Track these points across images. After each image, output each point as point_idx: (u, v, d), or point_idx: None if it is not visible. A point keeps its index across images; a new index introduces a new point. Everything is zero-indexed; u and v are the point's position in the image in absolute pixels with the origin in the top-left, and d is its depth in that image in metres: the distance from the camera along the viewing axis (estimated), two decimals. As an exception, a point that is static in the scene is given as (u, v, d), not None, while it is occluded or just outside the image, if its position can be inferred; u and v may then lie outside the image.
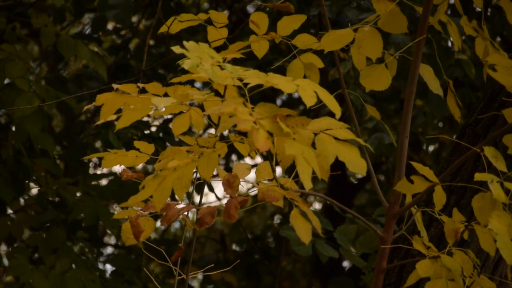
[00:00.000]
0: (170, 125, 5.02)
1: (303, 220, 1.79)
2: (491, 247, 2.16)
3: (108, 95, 1.92)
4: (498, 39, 4.99)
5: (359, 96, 2.65)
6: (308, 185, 1.60)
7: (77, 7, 5.05)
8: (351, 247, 3.85)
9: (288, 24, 2.26)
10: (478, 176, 1.91)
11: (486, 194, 1.94)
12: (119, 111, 1.92)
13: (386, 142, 4.40)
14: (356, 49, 2.20)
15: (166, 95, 1.91)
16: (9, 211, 4.62)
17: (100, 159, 5.62)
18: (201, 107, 2.02)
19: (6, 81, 4.12)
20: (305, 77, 2.30)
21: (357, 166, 1.68)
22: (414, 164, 2.03)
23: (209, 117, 2.22)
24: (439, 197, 2.07)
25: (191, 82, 1.92)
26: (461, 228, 2.21)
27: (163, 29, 2.38)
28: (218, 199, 6.33)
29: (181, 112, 1.98)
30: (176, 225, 7.38)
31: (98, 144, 5.33)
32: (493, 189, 1.89)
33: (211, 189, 5.78)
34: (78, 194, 4.54)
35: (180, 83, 1.88)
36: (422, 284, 2.14)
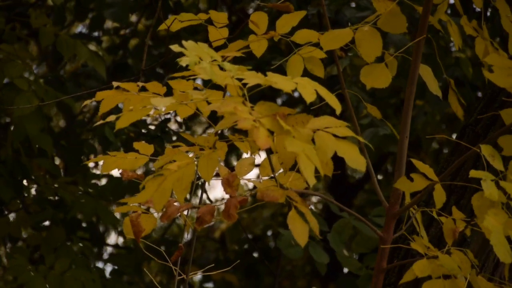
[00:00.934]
0: (169, 124, 5.02)
1: (301, 222, 1.78)
2: None
3: (108, 92, 1.92)
4: (498, 39, 4.99)
5: (357, 94, 2.64)
6: (311, 181, 1.60)
7: (78, 7, 5.05)
8: (344, 250, 3.83)
9: (287, 21, 2.25)
10: (473, 173, 1.91)
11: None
12: (119, 110, 1.92)
13: (380, 133, 4.38)
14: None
15: (166, 94, 1.91)
16: (7, 211, 4.62)
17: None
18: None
19: (5, 80, 4.12)
20: (306, 72, 2.29)
21: (357, 162, 1.68)
22: (415, 161, 2.03)
23: (209, 117, 2.22)
24: (439, 196, 2.07)
25: (193, 78, 1.92)
26: (460, 227, 2.21)
27: (162, 27, 2.38)
28: (210, 201, 6.29)
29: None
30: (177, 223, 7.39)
31: (95, 142, 5.33)
32: (485, 187, 1.89)
33: (205, 190, 5.75)
34: (78, 193, 4.54)
35: (182, 77, 1.87)
36: (422, 283, 2.14)
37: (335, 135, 1.67)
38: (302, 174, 1.59)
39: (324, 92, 1.64)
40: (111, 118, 1.88)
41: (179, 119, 5.79)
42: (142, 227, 2.06)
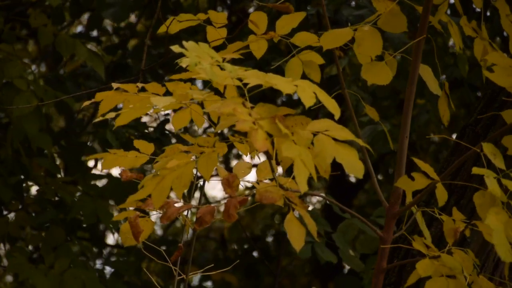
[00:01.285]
0: (167, 126, 5.02)
1: (298, 225, 1.77)
2: None
3: (107, 93, 1.91)
4: (498, 39, 4.98)
5: (357, 94, 2.64)
6: (303, 188, 1.59)
7: (75, 6, 5.04)
8: (350, 250, 3.83)
9: (287, 23, 2.24)
10: (475, 170, 1.91)
11: (487, 192, 1.94)
12: (118, 109, 1.91)
13: (378, 129, 4.38)
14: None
15: (165, 94, 1.91)
16: (6, 211, 4.62)
17: (97, 158, 5.63)
18: (202, 104, 2.02)
19: (4, 80, 4.12)
20: (304, 75, 2.29)
21: (355, 168, 1.68)
22: (416, 160, 2.02)
23: (209, 117, 2.21)
24: (441, 194, 2.07)
25: (191, 80, 1.92)
26: (461, 227, 2.21)
27: (162, 29, 2.38)
28: (208, 201, 6.26)
29: (181, 108, 1.98)
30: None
31: (96, 143, 5.33)
32: (489, 183, 1.89)
33: (199, 190, 5.72)
34: (77, 194, 4.54)
35: (180, 79, 1.87)
36: (422, 284, 2.14)
37: (335, 139, 1.67)
38: (295, 179, 1.58)
39: (323, 96, 1.63)
40: (111, 115, 1.87)
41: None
42: (141, 228, 2.06)
